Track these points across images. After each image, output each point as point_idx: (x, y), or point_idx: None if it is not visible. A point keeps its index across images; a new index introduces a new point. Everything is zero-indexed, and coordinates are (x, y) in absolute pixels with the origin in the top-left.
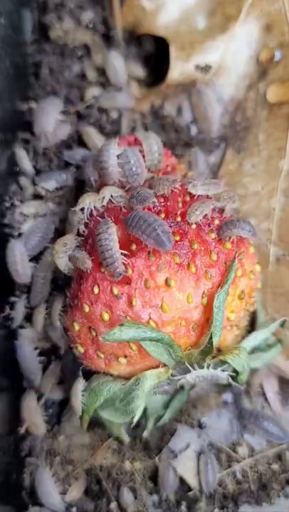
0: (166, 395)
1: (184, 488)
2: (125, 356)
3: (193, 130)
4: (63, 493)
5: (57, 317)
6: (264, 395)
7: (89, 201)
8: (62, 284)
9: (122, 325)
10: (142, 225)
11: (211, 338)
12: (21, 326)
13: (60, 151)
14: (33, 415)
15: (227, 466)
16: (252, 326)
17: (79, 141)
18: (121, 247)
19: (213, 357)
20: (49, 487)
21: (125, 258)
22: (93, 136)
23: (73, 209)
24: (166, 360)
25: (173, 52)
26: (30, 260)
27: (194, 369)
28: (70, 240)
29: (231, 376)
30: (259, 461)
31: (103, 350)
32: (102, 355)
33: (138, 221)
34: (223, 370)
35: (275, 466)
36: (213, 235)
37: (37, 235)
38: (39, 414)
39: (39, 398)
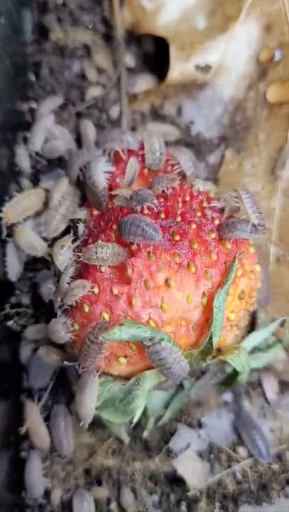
0: (164, 392)
1: (184, 488)
2: (125, 356)
3: (194, 130)
4: (65, 491)
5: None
6: (264, 395)
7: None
8: None
9: (122, 325)
10: (130, 228)
11: (211, 338)
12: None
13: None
14: (37, 429)
15: (227, 466)
16: (252, 326)
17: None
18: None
19: (213, 357)
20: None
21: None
22: (89, 131)
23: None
24: None
25: (173, 52)
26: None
27: (194, 368)
28: (68, 241)
29: (231, 376)
30: (259, 461)
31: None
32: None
33: (126, 226)
34: (223, 370)
35: (275, 466)
36: (213, 235)
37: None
38: (42, 426)
39: (39, 399)
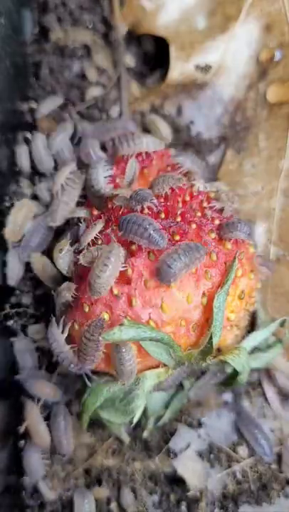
0: (164, 392)
1: (184, 488)
2: None
3: (194, 130)
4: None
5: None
6: (264, 395)
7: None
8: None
9: (122, 325)
10: (133, 227)
11: (211, 338)
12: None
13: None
14: (37, 428)
15: (227, 466)
16: (252, 326)
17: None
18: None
19: (213, 357)
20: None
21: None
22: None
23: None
24: (166, 360)
25: (173, 52)
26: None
27: (194, 368)
28: (66, 245)
29: (231, 376)
30: (259, 461)
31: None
32: (102, 355)
33: (128, 225)
34: (223, 370)
35: (275, 466)
36: (213, 235)
37: (38, 235)
38: (42, 425)
39: (38, 400)
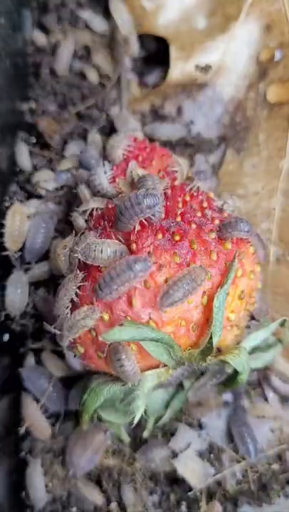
0: (165, 392)
1: (184, 488)
2: None
3: (194, 130)
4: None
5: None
6: (264, 395)
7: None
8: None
9: (122, 325)
10: (130, 212)
11: (211, 338)
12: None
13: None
14: (36, 420)
15: (227, 466)
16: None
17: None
18: None
19: (213, 357)
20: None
21: None
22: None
23: (78, 210)
24: (166, 360)
25: (173, 52)
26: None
27: (194, 368)
28: (69, 242)
29: (231, 376)
30: (259, 461)
31: (103, 350)
32: (102, 355)
33: (126, 211)
34: (223, 370)
35: (275, 466)
36: (213, 235)
37: (39, 236)
38: (41, 418)
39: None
